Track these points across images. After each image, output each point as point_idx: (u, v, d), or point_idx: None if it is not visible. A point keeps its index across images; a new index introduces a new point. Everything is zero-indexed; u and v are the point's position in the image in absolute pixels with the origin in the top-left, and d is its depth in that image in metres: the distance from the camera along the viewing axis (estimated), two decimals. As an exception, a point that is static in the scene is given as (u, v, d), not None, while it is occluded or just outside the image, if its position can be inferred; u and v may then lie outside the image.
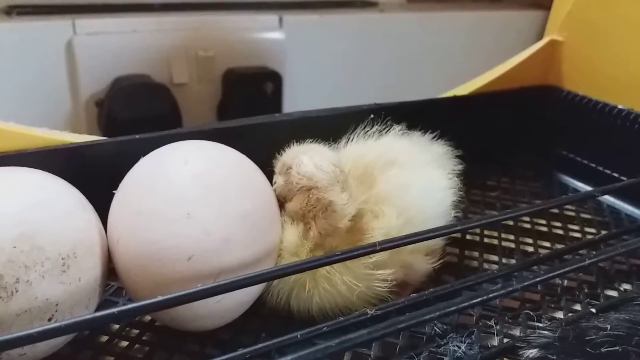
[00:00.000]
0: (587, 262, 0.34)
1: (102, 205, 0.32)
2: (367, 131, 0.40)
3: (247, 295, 0.31)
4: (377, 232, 0.33)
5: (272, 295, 0.33)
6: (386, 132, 0.40)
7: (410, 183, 0.36)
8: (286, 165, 0.34)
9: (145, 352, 0.32)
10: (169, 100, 0.74)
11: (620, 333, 0.24)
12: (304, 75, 0.89)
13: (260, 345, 0.28)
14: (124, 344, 0.33)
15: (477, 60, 0.85)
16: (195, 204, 0.28)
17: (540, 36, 0.64)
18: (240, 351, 0.27)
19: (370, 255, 0.31)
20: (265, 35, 0.84)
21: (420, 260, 0.36)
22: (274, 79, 0.83)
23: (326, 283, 0.32)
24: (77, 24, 0.70)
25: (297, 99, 0.88)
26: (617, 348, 0.23)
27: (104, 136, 0.71)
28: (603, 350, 0.23)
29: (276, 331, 0.33)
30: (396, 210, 0.34)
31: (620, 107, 0.53)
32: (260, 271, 0.27)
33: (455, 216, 0.38)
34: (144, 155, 0.33)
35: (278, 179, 0.34)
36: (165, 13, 0.76)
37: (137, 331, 0.34)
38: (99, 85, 0.72)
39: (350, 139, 0.39)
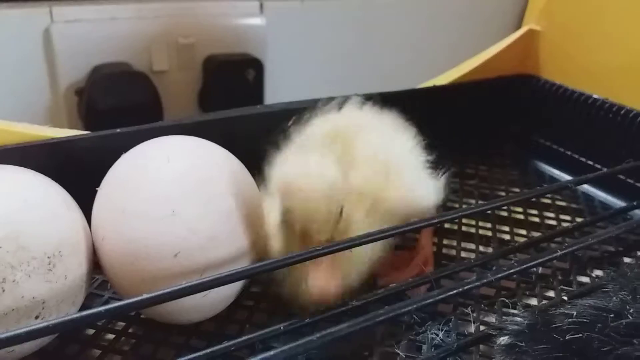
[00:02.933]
0: (560, 252, 0.36)
1: (84, 200, 0.32)
2: (325, 108, 0.40)
3: (232, 289, 0.32)
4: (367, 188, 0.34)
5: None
6: (344, 105, 0.41)
7: (389, 143, 0.38)
8: (288, 192, 0.30)
9: (132, 344, 0.33)
10: (149, 88, 0.73)
11: (585, 320, 0.25)
12: (286, 61, 0.88)
13: (244, 338, 0.29)
14: (110, 336, 0.34)
15: (460, 45, 0.85)
16: (179, 202, 0.29)
17: (520, 21, 0.65)
18: (225, 344, 0.28)
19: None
20: (246, 21, 0.84)
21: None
22: (255, 65, 0.83)
23: None
24: (55, 12, 0.69)
25: (278, 86, 0.88)
26: (581, 335, 0.24)
27: (84, 125, 0.71)
28: (568, 337, 0.25)
29: (260, 322, 0.34)
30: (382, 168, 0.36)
31: (595, 96, 0.54)
32: (244, 267, 0.28)
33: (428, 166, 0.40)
34: (125, 150, 0.33)
35: (278, 202, 0.31)
36: (144, 0, 0.75)
37: (123, 324, 0.34)
38: (78, 73, 0.71)
39: (311, 116, 0.40)
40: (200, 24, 0.79)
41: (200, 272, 0.29)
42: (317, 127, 0.38)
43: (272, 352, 0.26)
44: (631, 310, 0.25)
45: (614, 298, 0.27)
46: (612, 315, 0.25)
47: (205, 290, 0.26)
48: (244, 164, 0.35)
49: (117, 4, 0.73)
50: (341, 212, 0.30)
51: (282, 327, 0.29)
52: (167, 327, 0.33)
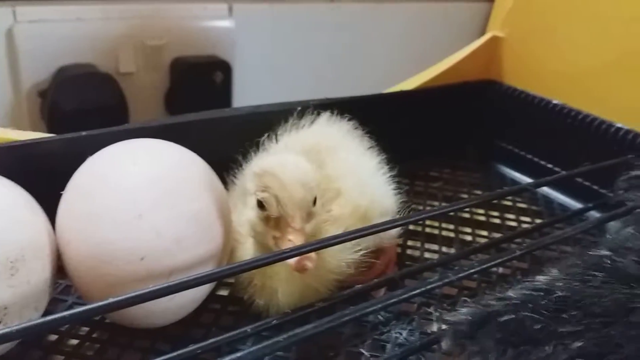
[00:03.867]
0: (518, 253, 0.37)
1: (49, 203, 0.32)
2: (296, 123, 0.41)
3: (199, 292, 0.32)
4: (345, 209, 0.35)
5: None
6: (314, 121, 0.42)
7: (358, 162, 0.39)
8: (265, 180, 0.31)
9: (96, 349, 0.33)
10: (115, 90, 0.72)
11: (517, 301, 0.27)
12: (254, 64, 0.88)
13: (210, 341, 0.29)
14: (74, 342, 0.33)
15: (426, 51, 0.87)
16: (145, 205, 0.29)
17: (484, 28, 0.67)
18: (191, 347, 0.28)
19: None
20: (215, 23, 0.83)
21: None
22: (224, 68, 0.83)
23: None
24: (18, 12, 0.67)
25: (247, 89, 0.87)
26: (514, 316, 0.25)
27: (47, 127, 0.70)
28: (504, 319, 0.26)
29: (227, 325, 0.35)
30: (356, 185, 0.36)
31: (555, 101, 0.56)
32: (212, 270, 0.28)
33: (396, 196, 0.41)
34: (91, 153, 0.33)
35: (269, 194, 0.31)
36: (111, 1, 0.74)
37: (87, 329, 0.34)
38: (42, 75, 0.69)
39: (282, 132, 0.40)
40: (168, 26, 0.79)
41: (167, 276, 0.29)
42: (289, 143, 0.39)
43: (239, 354, 0.26)
44: (560, 284, 0.27)
45: (543, 278, 0.29)
46: (542, 293, 0.26)
47: (172, 293, 0.26)
48: (212, 167, 0.35)
49: (82, 4, 0.72)
50: (315, 201, 0.31)
51: (249, 330, 0.30)
52: (132, 331, 0.33)
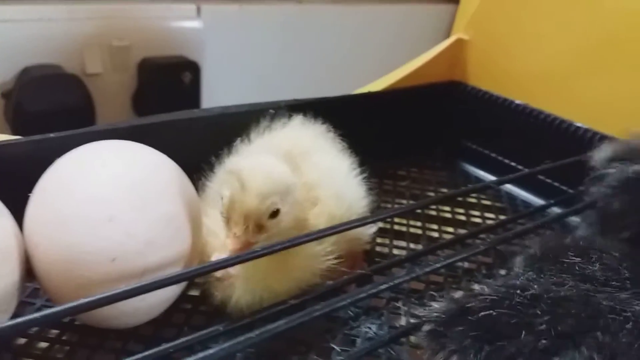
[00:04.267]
0: (482, 248, 0.38)
1: (16, 206, 0.31)
2: (269, 125, 0.41)
3: (171, 292, 0.32)
4: (321, 218, 0.35)
5: None
6: (287, 123, 0.42)
7: (333, 167, 0.39)
8: (228, 179, 0.31)
9: (66, 351, 0.33)
10: (81, 92, 0.72)
11: (495, 297, 0.27)
12: (223, 65, 0.88)
13: (182, 340, 0.29)
14: (44, 345, 0.33)
15: (393, 53, 0.88)
16: (116, 206, 0.29)
17: (449, 31, 0.69)
18: (163, 346, 0.28)
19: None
20: (183, 24, 0.83)
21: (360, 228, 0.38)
22: (192, 69, 0.82)
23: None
24: (-20, 11, 0.66)
25: (215, 90, 0.87)
26: (491, 312, 0.26)
27: (12, 128, 0.69)
28: (480, 315, 0.26)
29: (198, 324, 0.35)
30: (333, 193, 0.36)
31: (517, 102, 0.58)
32: (183, 270, 0.29)
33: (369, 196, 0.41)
34: (59, 155, 0.33)
35: (229, 193, 0.31)
36: (77, 1, 0.73)
37: (57, 331, 0.34)
38: (6, 75, 0.68)
39: (254, 134, 0.40)
40: (135, 26, 0.78)
41: (139, 277, 0.29)
42: (264, 147, 0.39)
43: (211, 351, 0.27)
44: (535, 286, 0.28)
45: (521, 278, 0.29)
46: (518, 291, 0.27)
47: (144, 293, 0.26)
48: (182, 168, 0.35)
49: (47, 4, 0.71)
50: (274, 214, 0.31)
51: (221, 328, 0.30)
52: (103, 332, 0.33)
